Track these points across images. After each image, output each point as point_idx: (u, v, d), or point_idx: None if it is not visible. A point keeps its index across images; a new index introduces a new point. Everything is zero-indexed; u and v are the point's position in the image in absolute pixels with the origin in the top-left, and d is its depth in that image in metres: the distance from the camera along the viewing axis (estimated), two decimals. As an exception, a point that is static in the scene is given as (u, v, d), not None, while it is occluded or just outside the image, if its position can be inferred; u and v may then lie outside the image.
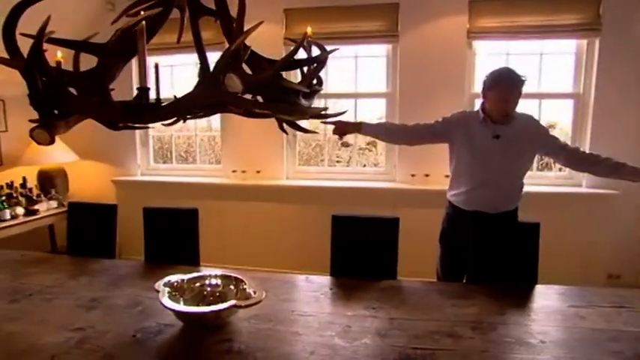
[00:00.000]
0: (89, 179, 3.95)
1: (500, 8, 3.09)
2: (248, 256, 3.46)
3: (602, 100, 3.06)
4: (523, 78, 1.91)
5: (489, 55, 3.25)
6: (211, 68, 1.14)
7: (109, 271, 1.97)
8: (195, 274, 1.61)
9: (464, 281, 2.07)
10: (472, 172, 2.04)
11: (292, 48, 1.20)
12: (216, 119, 3.79)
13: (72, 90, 1.21)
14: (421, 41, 3.23)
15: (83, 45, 1.33)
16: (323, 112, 1.44)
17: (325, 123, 2.12)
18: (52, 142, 1.19)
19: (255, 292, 1.44)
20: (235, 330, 1.40)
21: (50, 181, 3.67)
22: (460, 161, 2.09)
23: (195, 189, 3.68)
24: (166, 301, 1.37)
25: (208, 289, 1.58)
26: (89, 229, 2.30)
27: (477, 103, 2.10)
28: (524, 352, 1.27)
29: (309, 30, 1.37)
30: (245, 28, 1.15)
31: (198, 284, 1.58)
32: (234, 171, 3.63)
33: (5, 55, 1.17)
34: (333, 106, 3.56)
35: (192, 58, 3.45)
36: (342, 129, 2.16)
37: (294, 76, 1.58)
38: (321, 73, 1.45)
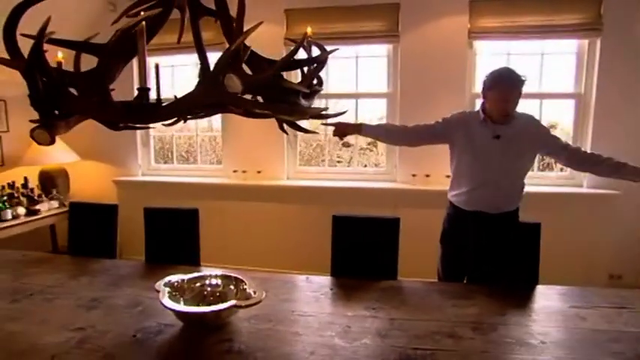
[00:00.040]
0: (90, 179, 3.96)
1: (501, 8, 3.08)
2: (249, 256, 3.46)
3: (603, 100, 3.05)
4: (523, 78, 1.91)
5: (490, 55, 3.25)
6: (212, 68, 1.15)
7: (109, 271, 1.97)
8: (195, 274, 1.61)
9: (464, 281, 2.07)
10: (473, 173, 2.03)
11: (292, 48, 1.20)
12: (217, 119, 3.79)
13: (73, 90, 1.21)
14: (422, 41, 3.23)
15: (84, 45, 1.33)
16: (323, 112, 1.44)
17: (325, 125, 2.13)
18: (52, 142, 1.20)
19: (255, 292, 1.44)
20: (235, 330, 1.40)
21: (51, 181, 3.68)
22: (461, 161, 2.09)
23: (196, 189, 3.68)
24: (166, 301, 1.37)
25: (208, 289, 1.58)
26: (90, 229, 2.30)
27: (478, 103, 2.10)
28: (525, 353, 1.27)
29: (309, 30, 1.37)
30: (245, 29, 1.15)
31: (198, 284, 1.58)
32: (234, 171, 3.64)
33: (6, 56, 1.17)
34: (334, 106, 3.56)
35: (193, 59, 3.45)
36: (343, 130, 2.17)
37: (295, 77, 1.58)
38: (322, 74, 1.46)
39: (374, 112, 3.74)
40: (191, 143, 4.27)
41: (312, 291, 1.75)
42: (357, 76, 3.50)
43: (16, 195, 3.34)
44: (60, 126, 1.21)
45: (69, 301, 1.64)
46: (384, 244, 1.97)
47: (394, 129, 2.37)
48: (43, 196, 3.54)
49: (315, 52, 1.43)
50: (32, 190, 3.46)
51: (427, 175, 3.28)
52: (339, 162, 4.20)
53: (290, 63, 1.30)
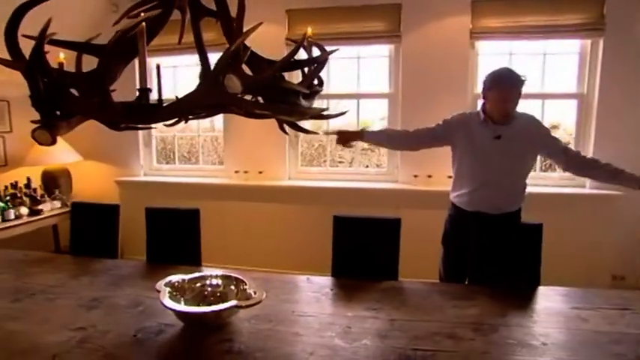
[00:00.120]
0: (92, 179, 3.97)
1: (503, 8, 3.07)
2: (249, 256, 3.47)
3: (606, 100, 3.03)
4: (523, 78, 1.90)
5: (492, 56, 3.24)
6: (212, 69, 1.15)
7: (110, 271, 1.98)
8: (196, 275, 1.61)
9: (466, 282, 2.06)
10: (474, 173, 2.03)
11: (292, 48, 1.20)
12: (218, 120, 3.80)
13: (74, 91, 1.22)
14: (423, 42, 3.22)
15: (85, 46, 1.34)
16: (323, 113, 1.44)
17: (327, 134, 2.16)
18: (53, 142, 1.20)
19: (255, 293, 1.44)
20: (236, 330, 1.40)
21: (54, 182, 3.70)
22: (462, 162, 2.09)
23: (197, 189, 3.69)
24: (167, 301, 1.38)
25: (209, 289, 1.58)
26: (92, 229, 2.31)
27: (480, 104, 2.09)
28: (526, 354, 1.26)
29: (309, 30, 1.37)
30: (245, 29, 1.15)
31: (199, 284, 1.58)
32: (236, 171, 3.64)
33: (7, 57, 1.18)
34: (336, 106, 3.56)
35: (195, 59, 3.46)
36: (346, 138, 2.19)
37: (297, 77, 1.58)
38: (323, 74, 1.46)
39: (375, 113, 3.74)
40: (193, 144, 4.28)
41: (313, 291, 1.75)
42: (359, 76, 3.50)
43: (19, 195, 3.36)
44: (61, 126, 1.21)
45: (70, 300, 1.65)
46: (385, 244, 1.96)
47: (395, 134, 2.38)
48: (46, 196, 3.56)
49: (316, 52, 1.43)
50: (35, 190, 3.47)
51: (429, 176, 3.27)
52: (340, 162, 4.20)
53: (290, 63, 1.30)
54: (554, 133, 2.13)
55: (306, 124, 1.58)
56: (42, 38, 1.10)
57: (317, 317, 1.51)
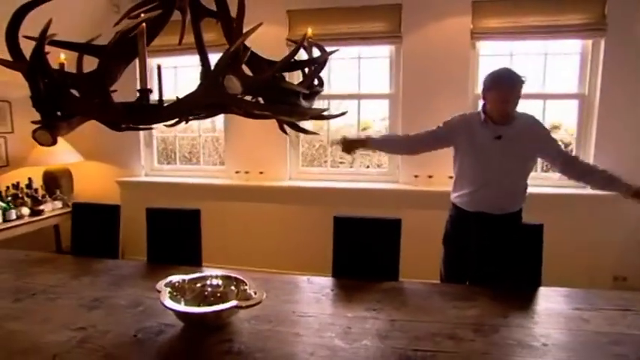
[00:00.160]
0: (94, 180, 3.98)
1: (503, 8, 3.07)
2: (250, 256, 3.47)
3: (607, 100, 3.03)
4: (522, 78, 1.90)
5: (493, 56, 3.24)
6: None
7: (111, 271, 1.98)
8: (196, 275, 1.61)
9: (467, 283, 2.06)
10: (474, 174, 2.03)
11: (292, 49, 1.20)
12: (219, 120, 3.80)
13: (75, 92, 1.22)
14: (424, 42, 3.22)
15: (85, 47, 1.34)
16: (324, 113, 1.44)
17: (333, 144, 2.18)
18: (54, 143, 1.20)
19: (255, 293, 1.44)
20: (236, 330, 1.40)
21: (55, 182, 3.71)
22: (463, 163, 2.08)
23: (198, 190, 3.69)
24: (167, 302, 1.38)
25: (209, 289, 1.58)
26: (93, 230, 2.31)
27: (481, 104, 2.09)
28: (527, 355, 1.26)
29: (309, 31, 1.37)
30: (246, 30, 1.15)
31: (199, 285, 1.58)
32: (237, 172, 3.64)
33: (8, 57, 1.18)
34: (337, 107, 3.56)
35: (196, 60, 3.46)
36: (350, 146, 2.20)
37: (297, 78, 1.58)
38: (324, 75, 1.46)
39: (376, 113, 3.74)
40: (194, 144, 4.28)
41: (313, 292, 1.75)
42: (360, 77, 3.50)
43: (20, 195, 3.37)
44: (62, 127, 1.21)
45: (71, 300, 1.65)
46: (386, 245, 1.96)
47: (398, 139, 2.40)
48: (47, 196, 3.57)
49: (316, 53, 1.44)
50: (36, 190, 3.48)
51: (430, 176, 3.27)
52: (341, 163, 4.19)
53: (290, 64, 1.30)
54: (556, 134, 2.13)
55: (306, 124, 1.58)
56: (43, 39, 1.10)
57: (317, 318, 1.51)
